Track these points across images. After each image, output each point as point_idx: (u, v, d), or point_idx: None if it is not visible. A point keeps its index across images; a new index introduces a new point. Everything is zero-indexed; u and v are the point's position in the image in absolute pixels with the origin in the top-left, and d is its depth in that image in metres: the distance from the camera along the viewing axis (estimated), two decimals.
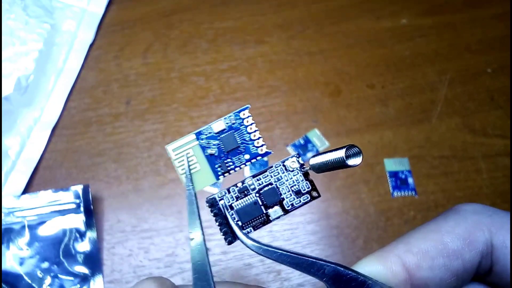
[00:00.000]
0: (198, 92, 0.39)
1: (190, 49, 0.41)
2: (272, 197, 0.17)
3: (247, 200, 0.17)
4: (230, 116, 0.17)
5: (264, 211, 0.17)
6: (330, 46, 0.41)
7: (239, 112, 0.17)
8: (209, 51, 0.41)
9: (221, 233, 0.17)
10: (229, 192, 0.17)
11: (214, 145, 0.17)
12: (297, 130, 0.37)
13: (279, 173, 0.17)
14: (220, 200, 0.17)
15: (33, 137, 0.36)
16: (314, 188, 0.17)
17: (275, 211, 0.17)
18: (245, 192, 0.17)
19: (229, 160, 0.17)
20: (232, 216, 0.17)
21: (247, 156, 0.17)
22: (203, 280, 0.15)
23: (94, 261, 0.31)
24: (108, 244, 0.32)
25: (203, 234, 0.16)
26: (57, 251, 0.31)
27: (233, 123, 0.17)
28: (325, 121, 0.37)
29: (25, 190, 0.34)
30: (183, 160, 0.17)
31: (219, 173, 0.17)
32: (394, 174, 0.35)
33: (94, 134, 0.36)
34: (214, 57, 0.40)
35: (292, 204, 0.17)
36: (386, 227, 0.33)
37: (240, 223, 0.17)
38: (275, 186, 0.17)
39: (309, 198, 0.17)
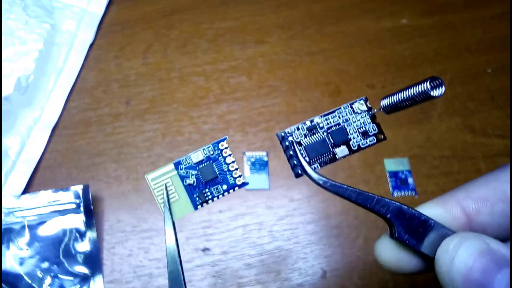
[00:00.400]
0: (198, 92, 0.39)
1: (190, 49, 0.41)
2: (339, 136, 0.17)
3: (315, 138, 0.17)
4: (208, 147, 0.18)
5: (331, 149, 0.17)
6: (330, 46, 0.41)
7: (217, 143, 0.18)
8: (209, 51, 0.41)
9: (290, 165, 0.17)
10: (298, 129, 0.17)
11: (192, 175, 0.18)
12: None
13: (347, 115, 0.17)
14: (289, 136, 0.17)
15: (33, 137, 0.36)
16: (380, 131, 0.17)
17: (341, 150, 0.17)
18: (314, 130, 0.17)
19: (207, 190, 0.18)
20: (301, 152, 0.17)
21: (224, 187, 0.18)
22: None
23: (94, 261, 0.31)
24: (108, 244, 0.32)
25: (180, 263, 0.16)
26: (57, 251, 0.31)
27: (211, 154, 0.18)
28: None
29: (25, 190, 0.34)
30: (162, 189, 0.17)
31: (197, 202, 0.18)
32: (394, 174, 0.35)
33: (94, 134, 0.36)
34: (214, 57, 0.40)
35: (359, 145, 0.17)
36: (386, 227, 0.33)
37: (307, 158, 0.17)
38: (343, 126, 0.17)
39: (375, 140, 0.17)
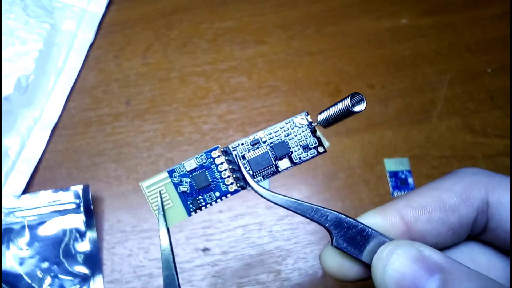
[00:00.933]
0: (198, 92, 0.39)
1: (190, 49, 0.41)
2: (282, 150, 0.18)
3: (258, 152, 0.18)
4: (201, 156, 0.18)
5: (274, 162, 0.18)
6: (330, 46, 0.41)
7: (210, 152, 0.18)
8: (209, 51, 0.41)
9: (233, 179, 0.18)
10: (242, 144, 0.18)
11: (186, 182, 0.18)
12: None
13: (289, 129, 0.18)
14: (233, 150, 0.18)
15: (33, 137, 0.36)
16: (320, 143, 0.18)
17: (284, 163, 0.18)
18: (257, 144, 0.18)
19: (200, 197, 0.18)
20: (244, 166, 0.18)
21: (217, 194, 0.18)
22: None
23: (94, 261, 0.31)
24: (108, 244, 0.32)
25: (175, 268, 0.17)
26: (57, 251, 0.31)
27: (204, 162, 0.18)
28: None
29: (25, 190, 0.34)
30: (156, 197, 0.18)
31: (191, 209, 0.18)
32: (394, 174, 0.35)
33: (94, 134, 0.36)
34: (214, 57, 0.40)
35: (300, 157, 0.18)
36: None
37: (251, 172, 0.18)
38: (285, 140, 0.18)
39: (315, 153, 0.18)
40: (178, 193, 0.18)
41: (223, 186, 0.18)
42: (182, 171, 0.18)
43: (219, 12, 0.43)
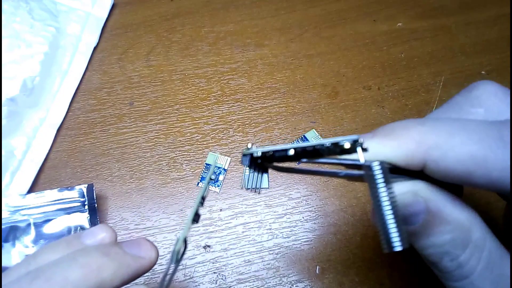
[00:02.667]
0: (200, 93, 0.39)
1: (192, 52, 0.42)
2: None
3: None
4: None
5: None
6: (328, 49, 0.42)
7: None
8: (210, 54, 0.41)
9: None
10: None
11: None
12: (296, 130, 0.38)
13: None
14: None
15: (39, 137, 0.36)
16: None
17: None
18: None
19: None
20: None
21: None
22: None
23: None
24: None
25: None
26: None
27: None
28: (322, 122, 0.38)
29: (31, 189, 0.35)
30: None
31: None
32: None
33: (98, 135, 0.37)
34: (215, 60, 0.41)
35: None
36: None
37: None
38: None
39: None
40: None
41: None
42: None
43: (219, 16, 0.44)
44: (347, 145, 0.15)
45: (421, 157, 0.14)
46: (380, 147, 0.15)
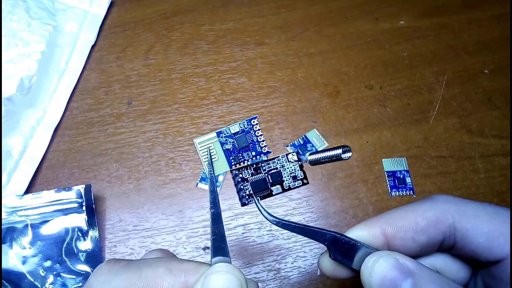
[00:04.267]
0: (199, 93, 0.39)
1: (191, 51, 0.41)
2: (276, 177, 0.22)
3: (258, 177, 0.22)
4: (243, 122, 0.23)
5: (269, 187, 0.22)
6: (329, 47, 0.41)
7: (250, 120, 0.23)
8: (209, 53, 0.41)
9: (239, 196, 0.22)
10: (246, 169, 0.23)
11: (230, 142, 0.23)
12: (297, 130, 0.37)
13: (283, 162, 0.23)
14: (239, 174, 0.22)
15: (36, 137, 0.36)
16: (305, 177, 0.23)
17: (277, 188, 0.23)
18: (258, 171, 0.23)
19: (240, 154, 0.23)
20: (247, 187, 0.22)
21: (253, 153, 0.23)
22: (220, 241, 0.19)
23: (96, 259, 0.31)
24: (110, 243, 0.33)
25: (219, 207, 0.20)
26: (59, 250, 0.31)
27: (245, 128, 0.23)
28: (324, 122, 0.38)
29: (28, 190, 0.34)
30: (206, 151, 0.22)
31: (232, 163, 0.23)
32: (392, 174, 0.36)
33: (96, 134, 0.37)
34: (214, 59, 0.41)
35: (289, 186, 0.23)
36: None
37: (251, 191, 0.22)
38: (279, 170, 0.23)
39: (301, 183, 0.23)
40: (223, 150, 0.22)
41: (258, 148, 0.23)
42: (227, 133, 0.23)
43: (219, 14, 0.43)
44: None
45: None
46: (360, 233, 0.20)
